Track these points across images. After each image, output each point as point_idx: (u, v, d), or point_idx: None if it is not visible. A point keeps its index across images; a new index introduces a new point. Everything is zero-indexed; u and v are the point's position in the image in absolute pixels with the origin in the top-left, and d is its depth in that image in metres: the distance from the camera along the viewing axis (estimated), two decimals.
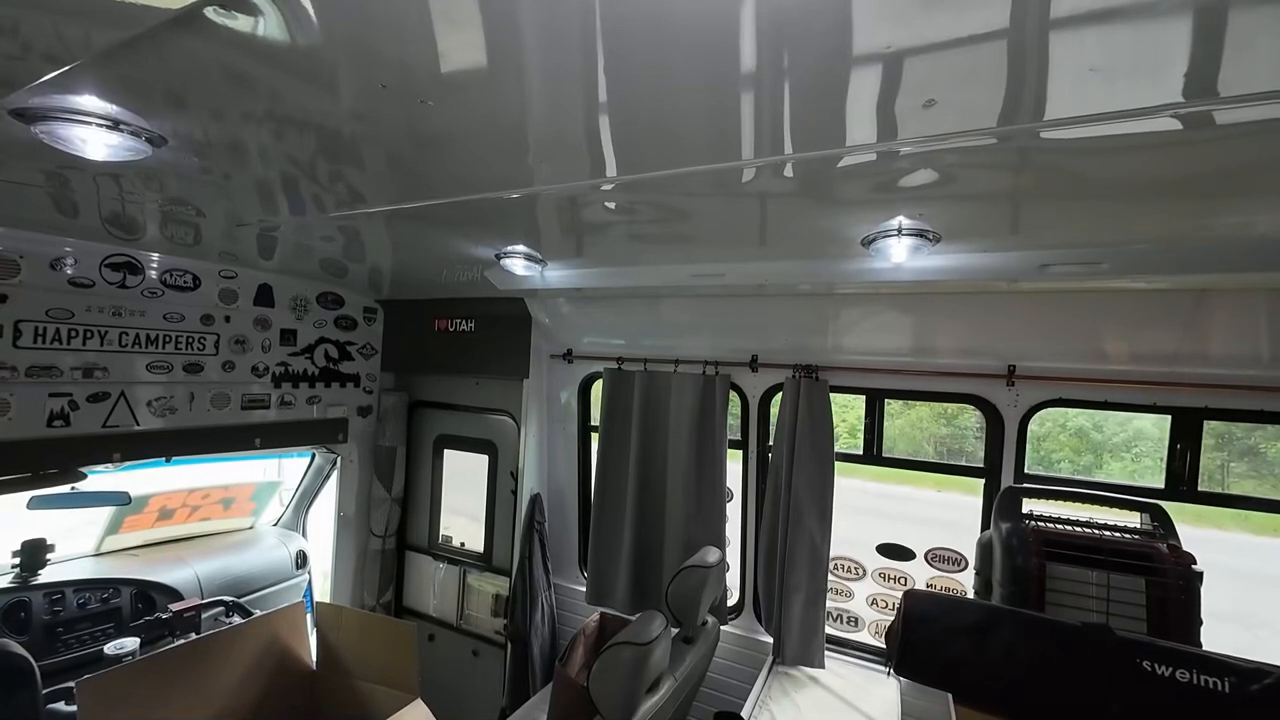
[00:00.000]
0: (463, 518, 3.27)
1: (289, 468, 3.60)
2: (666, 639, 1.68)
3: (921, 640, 1.72)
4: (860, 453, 2.43)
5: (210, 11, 0.74)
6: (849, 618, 2.54)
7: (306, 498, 3.48)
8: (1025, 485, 2.04)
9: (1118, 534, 1.78)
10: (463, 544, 3.25)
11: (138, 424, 2.23)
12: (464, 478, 3.26)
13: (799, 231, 1.63)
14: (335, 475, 3.30)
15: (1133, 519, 1.87)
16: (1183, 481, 1.94)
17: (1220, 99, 0.80)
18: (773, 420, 2.50)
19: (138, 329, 2.21)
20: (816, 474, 2.26)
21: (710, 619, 2.15)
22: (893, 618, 1.89)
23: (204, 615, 2.29)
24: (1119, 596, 1.68)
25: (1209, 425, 1.91)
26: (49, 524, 2.49)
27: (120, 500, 2.65)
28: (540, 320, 2.79)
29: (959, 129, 0.94)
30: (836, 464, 2.31)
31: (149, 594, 2.57)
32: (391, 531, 3.31)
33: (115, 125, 1.09)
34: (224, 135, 1.16)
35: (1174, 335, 1.86)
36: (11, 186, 1.53)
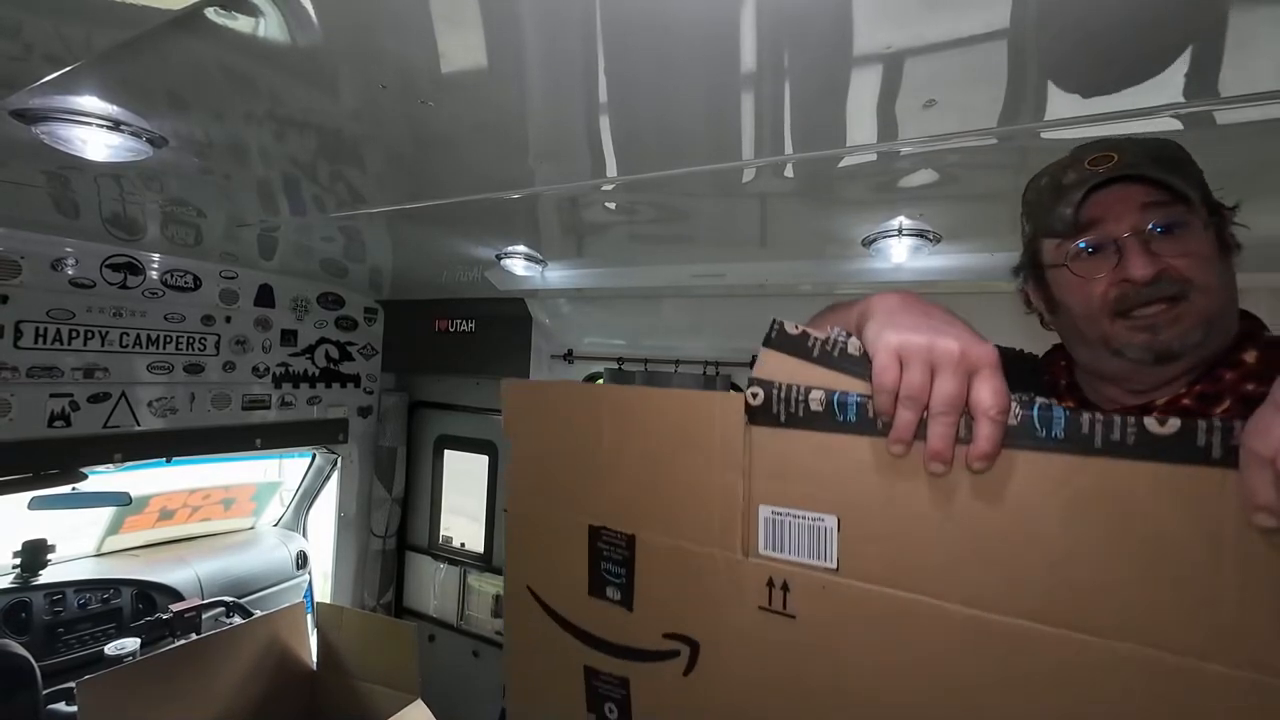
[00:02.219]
0: (463, 518, 3.27)
1: (289, 468, 3.60)
2: None
3: None
4: None
5: (211, 12, 0.74)
6: None
7: (307, 498, 3.48)
8: None
9: None
10: (463, 544, 3.25)
11: (138, 424, 2.23)
12: (464, 478, 3.27)
13: (799, 232, 1.63)
14: (335, 476, 3.30)
15: None
16: None
17: (1221, 99, 0.80)
18: None
19: (138, 329, 2.21)
20: None
21: None
22: None
23: (204, 616, 2.29)
24: None
25: None
26: (50, 524, 2.49)
27: (121, 501, 2.65)
28: (541, 321, 2.79)
29: (960, 129, 0.94)
30: None
31: (149, 594, 2.57)
32: (392, 532, 3.31)
33: (116, 126, 1.09)
34: (225, 136, 1.16)
35: None
36: (12, 187, 1.54)
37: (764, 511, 0.59)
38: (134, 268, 2.18)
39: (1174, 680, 0.45)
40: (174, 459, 2.43)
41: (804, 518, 0.57)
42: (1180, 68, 0.74)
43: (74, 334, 2.05)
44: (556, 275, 2.28)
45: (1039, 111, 0.88)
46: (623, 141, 1.09)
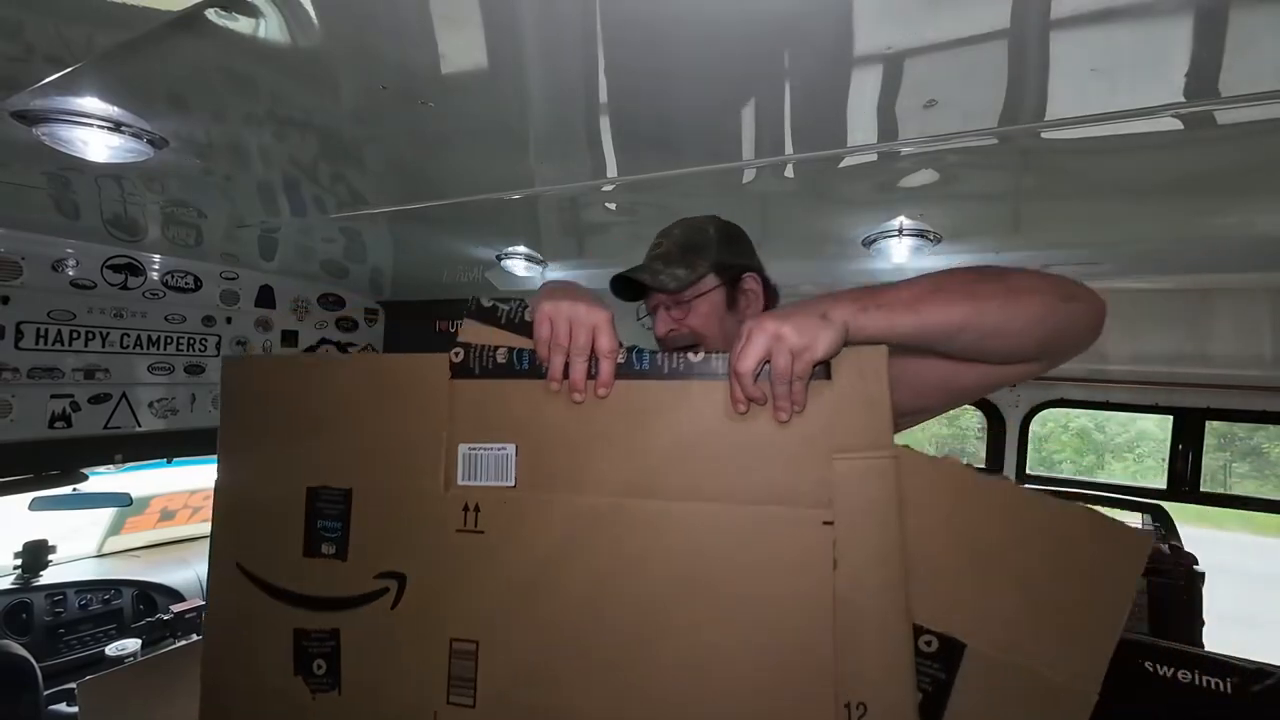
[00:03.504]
0: None
1: None
2: None
3: None
4: None
5: (211, 13, 0.75)
6: None
7: None
8: (1027, 486, 2.04)
9: None
10: None
11: (139, 425, 2.23)
12: None
13: (800, 232, 1.63)
14: None
15: (1134, 519, 1.87)
16: (1185, 482, 1.94)
17: (1221, 99, 0.80)
18: None
19: (139, 330, 2.21)
20: None
21: None
22: None
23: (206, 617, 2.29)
24: None
25: (1211, 425, 1.91)
26: (50, 525, 2.49)
27: (122, 501, 2.65)
28: None
29: (960, 129, 0.94)
30: None
31: (150, 595, 2.57)
32: None
33: (117, 127, 1.09)
34: (225, 137, 1.16)
35: (1175, 335, 1.86)
36: (13, 188, 1.54)
37: (463, 449, 0.75)
38: (135, 268, 2.18)
39: (711, 518, 0.67)
40: (175, 460, 2.43)
41: (491, 449, 0.74)
42: (1180, 67, 0.75)
43: (75, 335, 2.05)
44: (557, 275, 2.28)
45: (1039, 111, 0.88)
46: (623, 142, 1.09)
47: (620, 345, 0.71)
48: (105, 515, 2.76)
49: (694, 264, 0.97)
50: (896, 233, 1.48)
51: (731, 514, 0.67)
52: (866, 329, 0.64)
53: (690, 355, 0.69)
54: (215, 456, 0.86)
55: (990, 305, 0.66)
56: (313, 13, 0.75)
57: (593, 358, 0.70)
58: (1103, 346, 1.95)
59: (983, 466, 2.20)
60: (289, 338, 2.73)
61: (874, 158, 1.08)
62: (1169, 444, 1.96)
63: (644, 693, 0.68)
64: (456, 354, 0.75)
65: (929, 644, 0.64)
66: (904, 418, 0.86)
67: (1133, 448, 12.07)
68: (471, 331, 0.77)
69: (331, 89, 0.95)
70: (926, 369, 0.78)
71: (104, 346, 2.12)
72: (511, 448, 0.73)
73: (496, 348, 0.75)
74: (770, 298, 1.05)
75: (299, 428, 0.81)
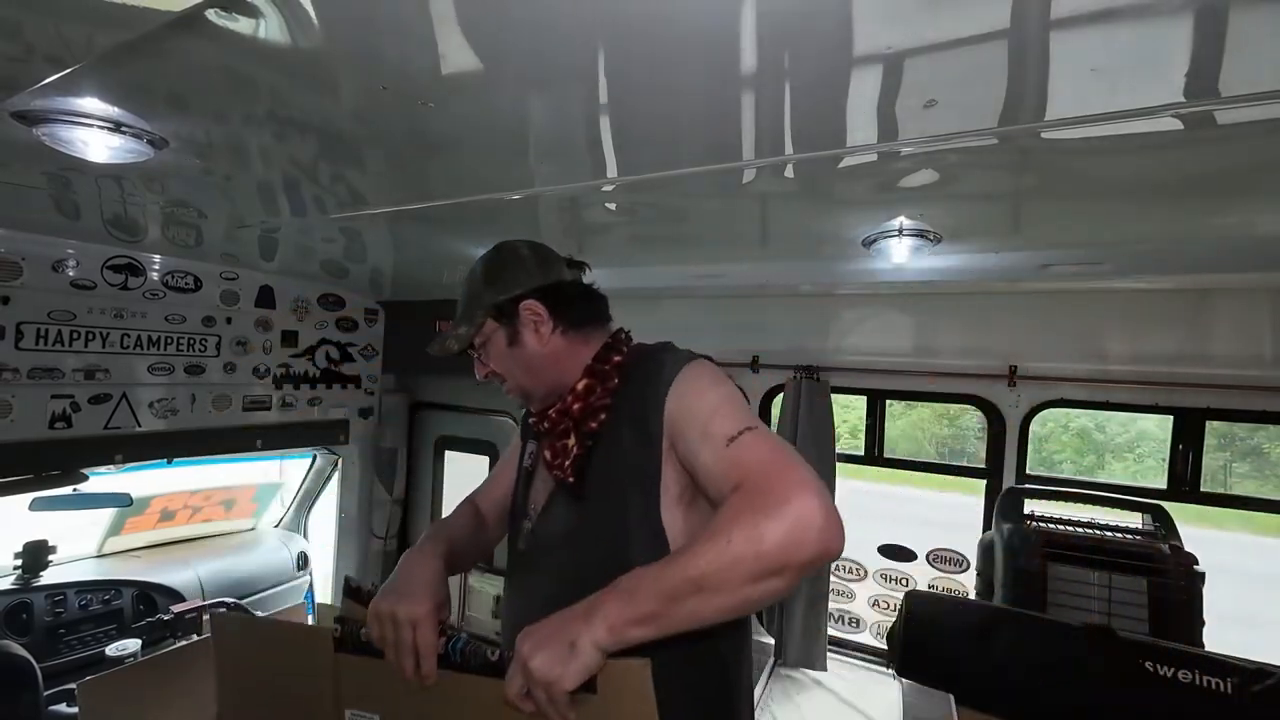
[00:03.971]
0: None
1: (290, 469, 3.60)
2: None
3: (923, 641, 1.71)
4: (861, 453, 2.43)
5: (212, 14, 0.75)
6: (850, 619, 2.54)
7: (308, 499, 3.48)
8: (1027, 486, 2.04)
9: (1119, 535, 1.78)
10: None
11: (139, 425, 2.24)
12: (465, 479, 3.26)
13: (800, 232, 1.63)
14: (336, 476, 3.29)
15: (1134, 520, 1.87)
16: (1185, 482, 1.94)
17: (1221, 99, 0.80)
18: (774, 421, 2.50)
19: (139, 330, 2.21)
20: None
21: None
22: (894, 619, 1.88)
23: (205, 617, 2.29)
24: (1121, 597, 1.68)
25: (1212, 425, 1.91)
26: (51, 526, 2.49)
27: (122, 502, 2.65)
28: None
29: (960, 129, 0.94)
30: (838, 465, 2.31)
31: (151, 595, 2.56)
32: (393, 533, 3.30)
33: (117, 127, 1.09)
34: (225, 137, 1.16)
35: (1176, 335, 1.86)
36: (13, 189, 1.54)
37: (348, 714, 0.87)
38: (135, 269, 2.18)
39: None
40: (175, 460, 2.43)
41: (365, 716, 0.86)
42: (1180, 67, 0.75)
43: (75, 335, 2.05)
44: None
45: (1039, 111, 0.88)
46: (623, 142, 1.09)
47: (442, 634, 0.80)
48: (105, 515, 2.76)
49: (473, 317, 1.04)
50: (896, 233, 1.48)
51: None
52: (622, 645, 0.70)
53: (490, 654, 0.77)
54: (215, 457, 0.91)
55: (713, 605, 0.72)
56: (313, 13, 0.75)
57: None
58: (1103, 346, 1.96)
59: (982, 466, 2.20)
60: (289, 338, 2.73)
61: (874, 158, 1.08)
62: (1169, 444, 1.96)
63: None
64: (335, 630, 0.86)
65: None
66: None
67: (1133, 448, 12.08)
68: (349, 608, 0.93)
69: (331, 89, 0.96)
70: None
71: (104, 347, 2.12)
72: (377, 717, 0.86)
73: (362, 626, 0.85)
74: (566, 308, 1.06)
75: (260, 673, 0.98)
